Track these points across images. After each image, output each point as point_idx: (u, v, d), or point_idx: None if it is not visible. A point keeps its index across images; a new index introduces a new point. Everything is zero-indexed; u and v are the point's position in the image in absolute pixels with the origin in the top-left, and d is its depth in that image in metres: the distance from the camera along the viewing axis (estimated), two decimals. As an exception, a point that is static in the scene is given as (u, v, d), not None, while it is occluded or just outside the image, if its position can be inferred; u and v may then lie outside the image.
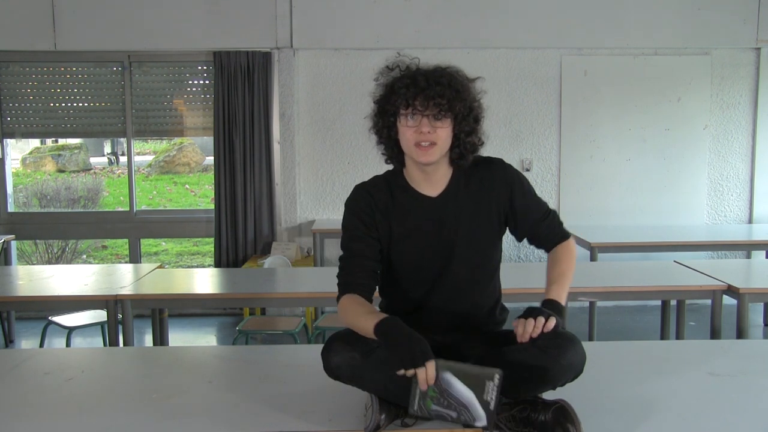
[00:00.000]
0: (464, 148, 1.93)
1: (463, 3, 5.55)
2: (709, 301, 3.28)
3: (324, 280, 3.71)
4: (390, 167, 2.08)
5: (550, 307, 1.89)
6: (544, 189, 5.76)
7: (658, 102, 5.75)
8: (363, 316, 1.81)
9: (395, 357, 1.67)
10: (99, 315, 4.07)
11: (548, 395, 1.84)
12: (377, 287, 2.03)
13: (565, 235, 2.10)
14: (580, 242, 4.89)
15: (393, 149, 1.99)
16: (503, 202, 2.01)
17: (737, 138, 5.84)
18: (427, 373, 1.64)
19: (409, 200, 1.99)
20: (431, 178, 1.98)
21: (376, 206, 1.99)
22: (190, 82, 5.76)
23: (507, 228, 2.07)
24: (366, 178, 2.11)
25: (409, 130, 1.88)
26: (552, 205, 5.83)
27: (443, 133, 1.88)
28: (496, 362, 1.83)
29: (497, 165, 2.03)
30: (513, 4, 5.57)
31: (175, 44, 5.55)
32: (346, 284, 1.96)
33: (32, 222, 6.11)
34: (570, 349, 1.79)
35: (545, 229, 2.08)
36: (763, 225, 5.69)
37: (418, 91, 1.84)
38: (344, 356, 1.78)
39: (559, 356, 1.77)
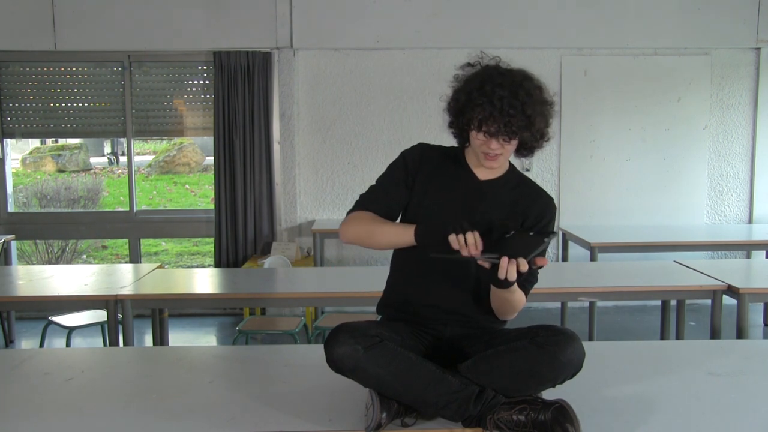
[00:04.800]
0: (530, 152, 2.06)
1: (463, 3, 5.55)
2: (709, 301, 3.28)
3: (324, 280, 3.72)
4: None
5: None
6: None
7: (658, 102, 5.75)
8: (394, 225, 2.02)
9: (443, 229, 1.83)
10: (99, 315, 4.07)
11: (548, 395, 1.84)
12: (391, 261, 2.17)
13: (526, 291, 2.07)
14: (580, 242, 4.90)
15: (461, 135, 2.07)
16: (526, 225, 2.06)
17: (737, 138, 5.84)
18: (474, 237, 1.80)
19: (457, 171, 2.09)
20: None
21: (428, 161, 2.09)
22: (190, 82, 5.76)
23: None
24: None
25: (478, 141, 1.97)
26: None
27: (510, 147, 1.99)
28: (495, 360, 1.84)
29: (546, 198, 2.12)
30: (513, 4, 5.57)
31: (175, 44, 5.55)
32: (365, 206, 2.09)
33: (32, 222, 6.11)
34: (569, 346, 1.80)
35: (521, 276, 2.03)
36: (763, 225, 5.69)
37: (492, 115, 1.90)
38: (347, 348, 1.79)
39: (557, 353, 1.79)
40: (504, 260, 1.79)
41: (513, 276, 1.80)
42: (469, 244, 1.80)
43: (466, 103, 1.96)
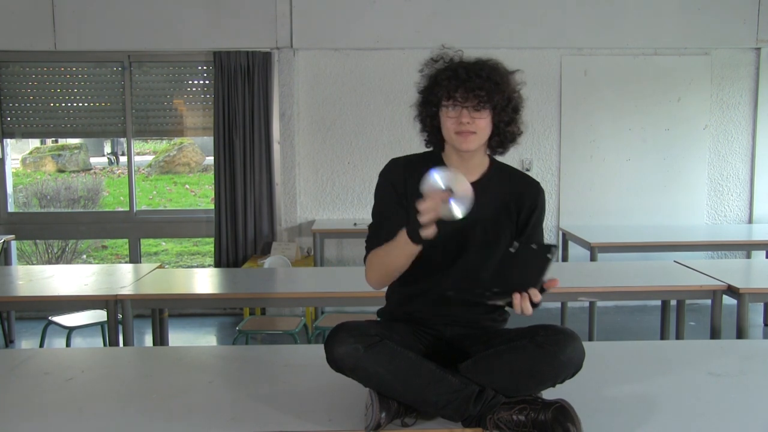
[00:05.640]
0: (504, 137, 2.01)
1: (463, 3, 5.55)
2: (709, 301, 3.28)
3: (324, 280, 3.72)
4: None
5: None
6: (544, 189, 5.75)
7: (658, 102, 5.75)
8: (393, 245, 1.90)
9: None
10: (99, 315, 4.07)
11: (548, 395, 1.84)
12: None
13: None
14: (580, 242, 4.89)
15: (435, 136, 2.06)
16: (523, 218, 2.06)
17: (737, 138, 5.84)
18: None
19: None
20: (467, 165, 2.03)
21: (410, 174, 2.03)
22: (190, 82, 5.76)
23: None
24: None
25: (450, 119, 1.95)
26: (552, 205, 5.90)
27: (482, 123, 1.95)
28: (496, 359, 1.84)
29: (535, 185, 2.11)
30: (513, 4, 5.57)
31: (175, 44, 5.55)
32: (374, 246, 2.01)
33: (32, 222, 6.11)
34: (569, 345, 1.80)
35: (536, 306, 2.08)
36: (763, 225, 5.69)
37: (459, 83, 1.91)
38: (348, 348, 1.79)
39: (557, 353, 1.78)
40: (516, 297, 1.75)
41: (528, 310, 1.74)
42: (425, 208, 1.74)
43: (433, 85, 1.97)
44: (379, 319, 2.18)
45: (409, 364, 1.81)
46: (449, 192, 1.77)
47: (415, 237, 1.80)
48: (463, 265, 2.00)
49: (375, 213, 2.08)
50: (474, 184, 1.99)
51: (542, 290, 1.76)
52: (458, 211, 1.78)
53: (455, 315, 2.05)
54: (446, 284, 2.01)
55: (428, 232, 1.77)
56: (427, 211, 1.74)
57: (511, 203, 2.04)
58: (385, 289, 2.14)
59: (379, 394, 1.80)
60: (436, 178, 1.79)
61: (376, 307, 2.21)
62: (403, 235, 1.85)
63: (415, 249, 1.85)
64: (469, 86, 1.90)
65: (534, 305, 1.75)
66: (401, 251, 1.88)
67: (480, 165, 2.06)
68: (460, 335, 2.04)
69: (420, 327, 2.04)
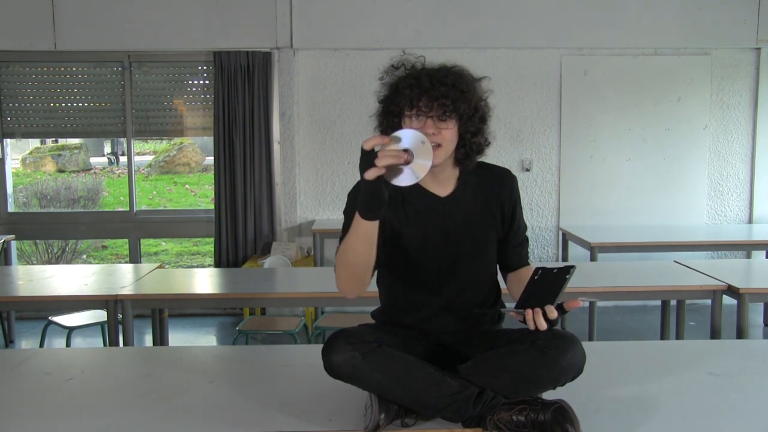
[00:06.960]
0: (470, 149, 1.93)
1: (463, 3, 5.55)
2: (709, 301, 3.28)
3: (324, 280, 3.71)
4: None
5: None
6: (544, 189, 5.76)
7: (658, 102, 5.75)
8: (350, 234, 1.77)
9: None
10: (99, 315, 4.07)
11: (548, 395, 1.84)
12: (379, 285, 2.09)
13: (528, 262, 2.12)
14: (580, 242, 4.89)
15: None
16: (507, 212, 2.05)
17: (737, 138, 5.84)
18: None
19: (418, 198, 1.98)
20: (438, 178, 1.98)
21: None
22: (190, 82, 5.76)
23: None
24: None
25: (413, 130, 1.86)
26: (552, 205, 5.89)
27: (448, 134, 1.87)
28: (495, 362, 1.83)
29: (506, 174, 2.07)
30: (513, 4, 5.57)
31: (175, 44, 5.55)
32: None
33: (32, 222, 6.11)
34: (570, 350, 1.79)
35: (520, 249, 2.10)
36: (763, 225, 5.69)
37: (422, 92, 1.83)
38: (345, 356, 1.77)
39: (558, 357, 1.77)
40: (528, 312, 1.73)
41: (542, 325, 1.72)
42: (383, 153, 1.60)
43: (394, 94, 1.88)
44: (374, 320, 2.16)
45: (407, 369, 1.80)
46: (408, 154, 1.61)
47: (366, 212, 1.67)
48: (455, 279, 1.99)
49: (346, 224, 1.90)
50: (451, 196, 1.98)
51: (562, 309, 1.75)
52: (407, 179, 1.61)
53: (454, 324, 2.03)
54: (439, 298, 2.00)
55: (371, 173, 1.60)
56: (384, 156, 1.60)
57: (492, 204, 2.02)
58: (382, 291, 2.12)
59: (378, 396, 1.80)
60: (407, 133, 1.64)
61: (376, 307, 2.20)
62: (356, 220, 1.72)
63: (368, 226, 1.71)
64: (432, 95, 1.81)
65: (549, 321, 1.73)
66: (357, 234, 1.74)
67: (451, 176, 1.99)
68: (459, 338, 2.04)
69: (419, 331, 2.03)
